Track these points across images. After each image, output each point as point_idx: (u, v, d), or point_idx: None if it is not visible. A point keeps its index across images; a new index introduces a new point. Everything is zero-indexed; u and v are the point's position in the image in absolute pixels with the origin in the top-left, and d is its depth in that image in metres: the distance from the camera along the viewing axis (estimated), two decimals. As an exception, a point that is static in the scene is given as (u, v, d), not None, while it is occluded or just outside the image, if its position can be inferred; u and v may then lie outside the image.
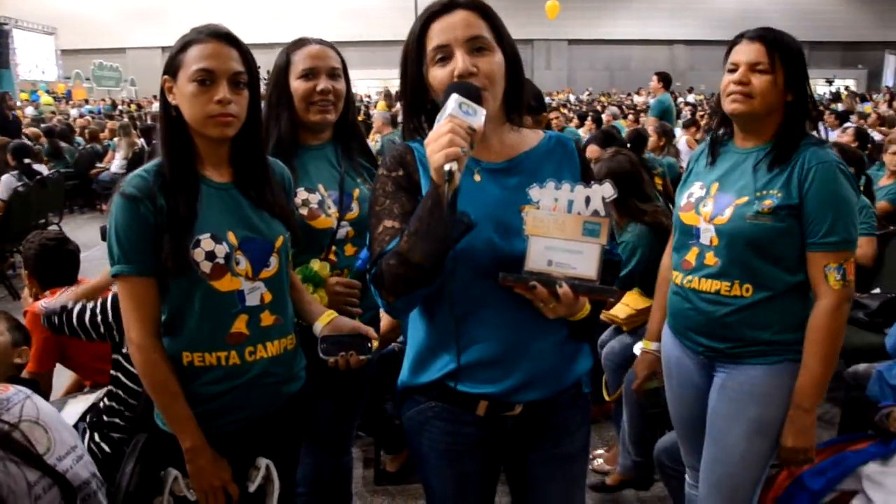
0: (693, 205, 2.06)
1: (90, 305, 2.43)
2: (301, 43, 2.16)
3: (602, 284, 1.43)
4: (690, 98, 23.10)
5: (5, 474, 1.32)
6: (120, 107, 22.34)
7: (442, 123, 1.32)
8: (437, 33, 1.47)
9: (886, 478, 2.28)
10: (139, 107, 23.00)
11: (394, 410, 3.56)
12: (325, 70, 2.12)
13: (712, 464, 2.07)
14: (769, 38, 1.92)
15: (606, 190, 1.42)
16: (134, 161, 10.62)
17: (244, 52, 1.69)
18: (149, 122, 15.12)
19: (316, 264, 2.06)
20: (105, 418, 2.28)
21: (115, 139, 11.30)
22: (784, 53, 1.91)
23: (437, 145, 1.29)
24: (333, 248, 2.14)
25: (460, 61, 1.43)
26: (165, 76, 1.67)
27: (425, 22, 1.49)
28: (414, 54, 1.51)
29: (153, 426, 1.75)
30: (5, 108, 10.47)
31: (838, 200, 1.88)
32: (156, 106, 21.96)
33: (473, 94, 1.38)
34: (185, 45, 1.65)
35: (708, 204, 2.02)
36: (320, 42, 2.18)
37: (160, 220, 1.61)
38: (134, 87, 30.36)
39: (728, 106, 1.96)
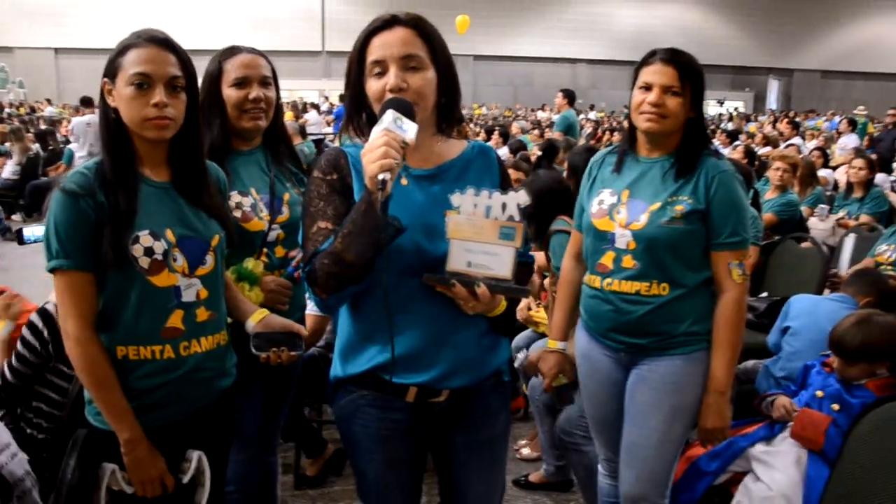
0: (606, 211, 2.22)
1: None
2: (233, 51, 2.23)
3: (516, 284, 1.59)
4: (592, 115, 23.86)
5: None
6: (7, 109, 21.27)
7: (377, 136, 1.45)
8: (376, 48, 1.60)
9: (770, 456, 2.54)
10: (32, 110, 21.95)
11: (311, 414, 3.63)
12: (256, 78, 2.20)
13: (633, 449, 2.25)
14: (681, 63, 2.12)
15: (521, 197, 1.57)
16: (28, 167, 10.19)
17: (182, 56, 1.75)
18: (42, 126, 14.51)
19: (250, 263, 2.13)
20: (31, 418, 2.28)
21: (7, 144, 10.81)
22: (693, 77, 2.13)
23: (373, 156, 1.43)
24: (265, 249, 2.21)
25: (392, 77, 1.57)
26: (105, 79, 1.72)
27: (367, 36, 1.62)
28: (356, 65, 1.64)
29: (83, 423, 1.78)
30: None
31: (738, 205, 2.13)
32: (50, 109, 20.95)
33: (407, 110, 1.51)
34: (123, 49, 1.70)
35: (622, 211, 2.19)
36: (251, 51, 2.24)
37: (100, 215, 1.65)
38: (23, 90, 28.99)
39: (643, 124, 2.15)
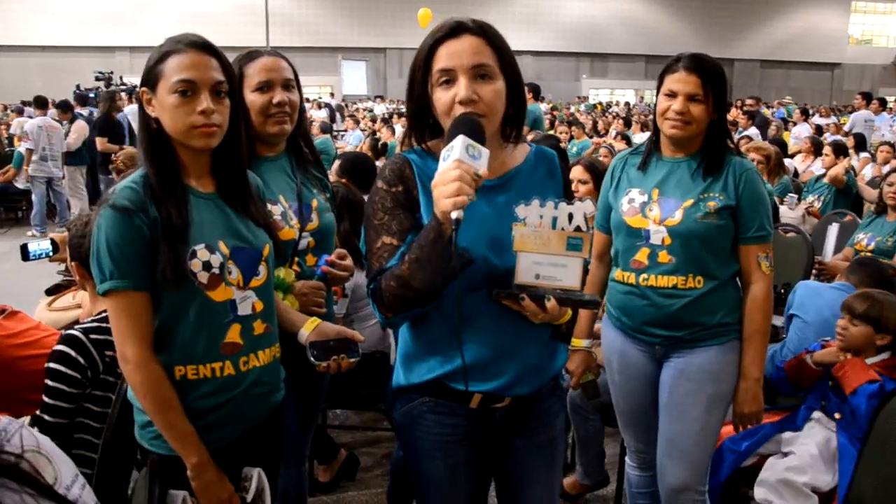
0: (637, 209, 2.29)
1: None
2: (254, 55, 2.17)
3: (585, 294, 1.60)
4: (544, 106, 24.06)
5: None
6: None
7: (450, 167, 1.41)
8: (444, 57, 1.55)
9: (799, 438, 2.64)
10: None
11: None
12: (279, 82, 2.14)
13: (675, 440, 2.32)
14: (704, 71, 2.19)
15: (587, 207, 1.57)
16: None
17: (223, 60, 1.70)
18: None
19: (282, 272, 2.08)
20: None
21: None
22: (715, 83, 2.19)
23: (446, 191, 1.39)
24: (296, 258, 2.17)
25: (463, 89, 1.53)
26: (143, 88, 1.66)
27: (434, 44, 1.57)
28: (420, 73, 1.59)
29: (127, 448, 1.72)
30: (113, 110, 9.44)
31: (763, 201, 2.23)
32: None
33: (478, 133, 1.47)
34: (162, 56, 1.64)
35: (654, 208, 2.26)
36: (273, 53, 2.19)
37: (154, 231, 1.59)
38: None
39: (668, 130, 2.24)
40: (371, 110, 19.88)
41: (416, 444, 1.75)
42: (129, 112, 11.89)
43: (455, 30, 1.56)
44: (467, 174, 1.40)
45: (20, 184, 9.84)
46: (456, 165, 1.40)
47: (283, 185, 2.20)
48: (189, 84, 1.61)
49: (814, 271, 4.28)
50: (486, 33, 1.58)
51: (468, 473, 1.78)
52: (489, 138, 1.53)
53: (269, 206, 2.11)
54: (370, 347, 3.24)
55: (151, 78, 1.64)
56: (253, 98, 2.12)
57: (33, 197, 9.38)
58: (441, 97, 1.56)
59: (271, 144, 2.20)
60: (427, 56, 1.58)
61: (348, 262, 2.27)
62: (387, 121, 14.30)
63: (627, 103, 26.07)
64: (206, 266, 1.64)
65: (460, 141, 1.43)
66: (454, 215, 1.38)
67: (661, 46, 32.89)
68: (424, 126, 1.66)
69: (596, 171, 3.66)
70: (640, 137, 11.21)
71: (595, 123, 14.98)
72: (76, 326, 2.18)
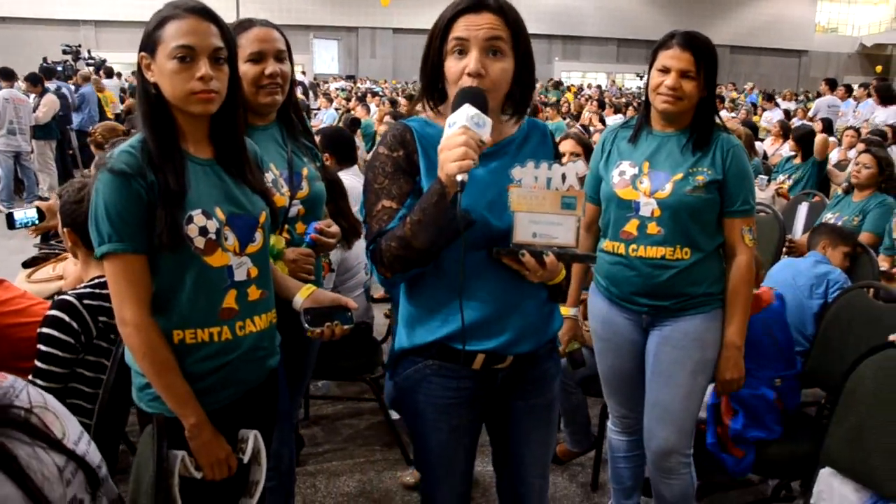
0: (628, 181, 2.35)
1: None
2: (246, 25, 2.17)
3: (580, 250, 1.66)
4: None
5: (37, 461, 1.30)
6: None
7: (456, 133, 1.48)
8: (462, 27, 1.61)
9: None
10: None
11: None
12: (272, 53, 2.16)
13: (662, 404, 2.41)
14: (697, 48, 2.25)
15: (579, 167, 1.64)
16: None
17: (222, 27, 1.70)
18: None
19: (272, 239, 2.10)
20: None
21: None
22: (707, 61, 2.26)
23: (452, 155, 1.47)
24: (286, 226, 2.20)
25: (473, 61, 1.59)
26: (142, 53, 1.66)
27: (455, 15, 1.62)
28: (437, 41, 1.65)
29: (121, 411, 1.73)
30: None
31: (748, 176, 2.31)
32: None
33: (482, 103, 1.54)
34: (161, 21, 1.64)
35: (644, 181, 2.33)
36: (265, 23, 2.20)
37: (152, 195, 1.60)
38: None
39: (660, 105, 2.30)
40: (345, 89, 19.75)
41: (419, 408, 1.79)
42: (110, 87, 11.72)
43: (476, 5, 1.62)
44: (472, 140, 1.47)
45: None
46: (462, 131, 1.47)
47: (274, 153, 2.22)
48: (188, 50, 1.61)
49: (784, 249, 4.40)
50: (504, 12, 1.64)
51: (469, 433, 1.84)
52: (490, 110, 1.58)
53: None
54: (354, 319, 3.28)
55: (150, 43, 1.64)
56: (245, 68, 2.13)
57: (-1, 171, 9.24)
58: (452, 66, 1.63)
59: (262, 114, 2.22)
60: (446, 25, 1.64)
61: (334, 228, 2.30)
62: (361, 99, 14.25)
63: (599, 86, 26.18)
64: (203, 231, 1.66)
65: (466, 110, 1.50)
66: (459, 177, 1.45)
67: (634, 31, 33.14)
68: (435, 90, 1.72)
69: (586, 144, 3.72)
70: (611, 119, 11.33)
71: (569, 106, 15.06)
72: (69, 292, 2.19)
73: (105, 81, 12.30)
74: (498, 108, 1.71)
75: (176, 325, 1.68)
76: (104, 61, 15.30)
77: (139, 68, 1.68)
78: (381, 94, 17.25)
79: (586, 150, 3.60)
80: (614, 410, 2.66)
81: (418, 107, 1.77)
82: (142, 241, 1.61)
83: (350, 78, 28.10)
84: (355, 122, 8.57)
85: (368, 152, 8.00)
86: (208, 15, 1.67)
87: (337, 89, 19.26)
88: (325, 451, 3.51)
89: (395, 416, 3.56)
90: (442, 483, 1.86)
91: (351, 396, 4.09)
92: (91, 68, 13.73)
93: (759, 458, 2.72)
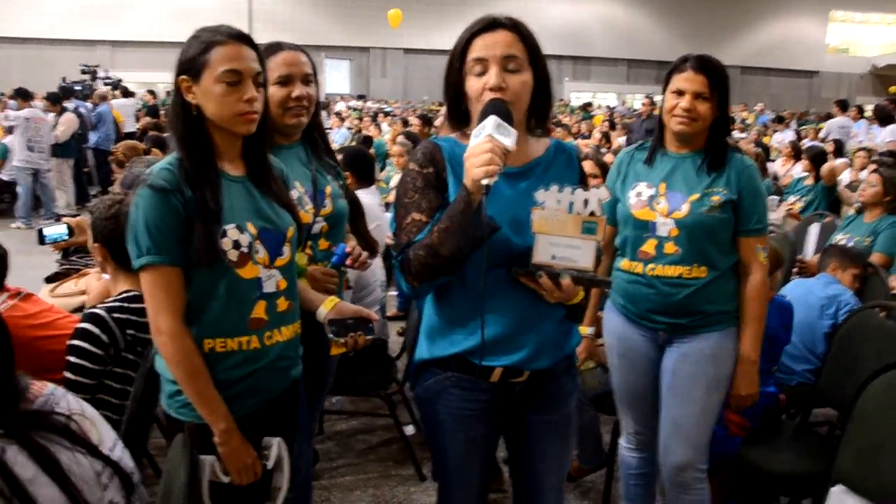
0: (645, 202, 2.43)
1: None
2: (276, 48, 2.26)
3: (598, 275, 1.72)
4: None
5: (77, 465, 1.36)
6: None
7: (482, 141, 1.56)
8: (479, 48, 1.70)
9: None
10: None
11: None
12: (299, 76, 2.25)
13: (677, 420, 2.45)
14: (711, 71, 2.34)
15: (602, 193, 1.70)
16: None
17: (258, 52, 1.81)
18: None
19: (296, 255, 2.18)
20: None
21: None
22: (720, 83, 2.35)
23: (478, 161, 1.55)
24: (309, 242, 2.27)
25: (493, 77, 1.67)
26: (183, 76, 1.75)
27: (471, 36, 1.72)
28: (457, 63, 1.74)
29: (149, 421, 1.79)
30: None
31: (762, 196, 2.39)
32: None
33: (507, 115, 1.62)
34: (206, 46, 1.73)
35: (661, 201, 2.40)
36: (294, 48, 2.29)
37: (189, 211, 1.69)
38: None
39: (675, 127, 2.38)
40: (357, 109, 19.92)
41: (439, 418, 1.86)
42: (117, 105, 11.89)
43: (491, 24, 1.72)
44: (498, 148, 1.55)
45: (5, 176, 9.82)
46: (488, 139, 1.56)
47: (299, 171, 2.30)
48: (236, 74, 1.72)
49: (794, 269, 4.44)
50: (518, 30, 1.73)
51: (485, 445, 1.90)
52: (515, 123, 1.65)
53: None
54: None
55: (194, 67, 1.73)
56: (273, 91, 2.21)
57: (19, 188, 9.38)
58: (473, 84, 1.71)
59: (287, 135, 2.31)
60: (464, 46, 1.73)
61: (363, 256, 2.38)
62: (373, 118, 14.36)
63: (609, 107, 26.28)
64: (236, 245, 1.74)
65: (492, 120, 1.58)
66: (485, 182, 1.53)
67: (643, 51, 33.22)
68: (459, 111, 1.80)
69: (604, 165, 3.79)
70: (623, 140, 11.39)
71: (579, 127, 15.15)
72: (99, 305, 2.27)
73: (121, 101, 12.46)
74: (522, 124, 1.78)
75: (207, 335, 1.75)
76: (119, 81, 15.51)
77: (178, 91, 1.77)
78: (392, 113, 17.39)
79: (603, 170, 3.67)
80: (628, 427, 2.71)
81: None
82: (178, 255, 1.69)
83: (361, 97, 28.30)
84: (367, 141, 8.67)
85: (381, 171, 8.07)
86: (248, 41, 1.79)
87: (350, 108, 19.43)
88: (340, 465, 3.56)
89: (409, 431, 3.61)
90: (458, 493, 1.91)
91: (365, 412, 4.15)
92: (108, 88, 13.94)
93: (770, 476, 2.75)
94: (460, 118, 1.81)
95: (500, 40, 1.70)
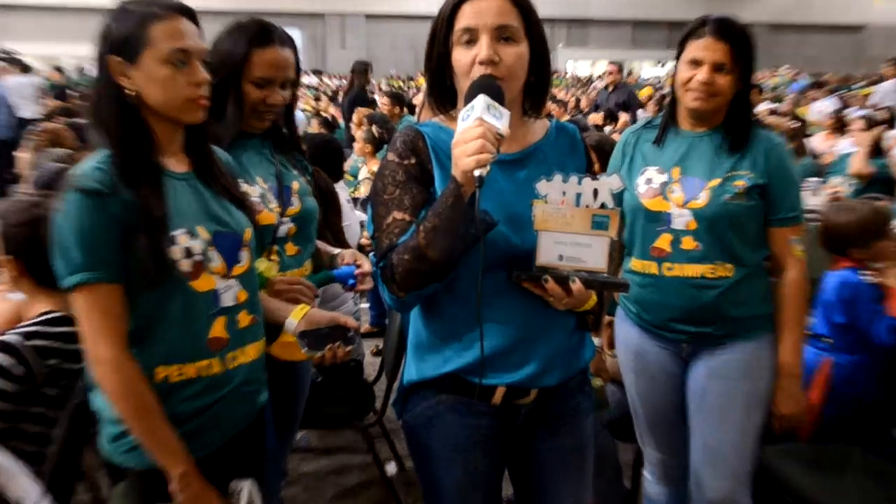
0: (657, 190, 2.46)
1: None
2: (265, 39, 2.28)
3: (613, 277, 1.77)
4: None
5: None
6: None
7: (471, 126, 1.59)
8: (468, 15, 1.74)
9: None
10: None
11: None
12: (280, 80, 2.31)
13: (712, 447, 2.48)
14: (733, 37, 2.36)
15: (614, 182, 1.73)
16: None
17: (199, 26, 1.84)
18: None
19: (262, 264, 2.21)
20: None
21: None
22: (744, 51, 2.38)
23: (468, 149, 1.57)
24: (275, 246, 2.32)
25: (484, 48, 1.71)
26: (115, 57, 1.75)
27: (459, 1, 1.75)
28: (443, 32, 1.78)
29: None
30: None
31: (794, 178, 2.44)
32: None
33: (497, 94, 1.65)
34: (142, 20, 1.74)
35: (675, 189, 2.43)
36: (283, 42, 2.32)
37: (129, 218, 1.70)
38: None
39: (690, 103, 2.41)
40: (314, 87, 19.91)
41: (432, 449, 1.90)
42: (14, 85, 11.56)
43: None
44: (490, 132, 1.58)
45: None
46: (478, 123, 1.58)
47: (260, 165, 2.36)
48: (185, 54, 1.76)
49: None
50: None
51: (487, 480, 1.94)
52: (508, 103, 1.70)
53: (246, 187, 2.25)
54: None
55: (130, 46, 1.74)
56: (248, 89, 2.27)
57: None
58: (460, 57, 1.75)
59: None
60: (451, 13, 1.76)
61: (366, 266, 2.43)
62: (333, 98, 14.36)
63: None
64: (188, 253, 1.76)
65: (481, 100, 1.61)
66: (477, 172, 1.56)
67: (651, 10, 33.29)
68: (443, 87, 1.84)
69: (604, 152, 3.85)
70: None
71: (578, 101, 15.23)
72: (9, 332, 2.24)
73: (17, 78, 12.13)
74: (517, 104, 1.83)
75: (159, 362, 1.77)
76: (13, 53, 15.18)
77: (107, 74, 1.77)
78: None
79: (604, 159, 3.73)
80: (651, 457, 2.75)
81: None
82: (118, 269, 1.71)
83: (317, 73, 28.23)
84: (329, 126, 8.68)
85: (345, 161, 8.09)
86: (191, 14, 1.82)
87: (304, 86, 19.41)
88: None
89: (391, 470, 3.64)
90: None
91: (338, 449, 4.16)
92: (2, 63, 13.72)
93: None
94: (445, 96, 1.85)
95: (493, 6, 1.72)
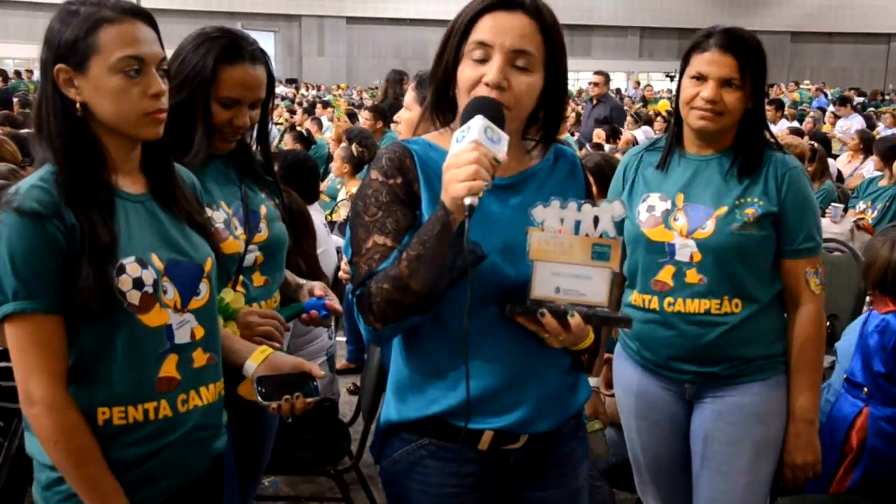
0: (660, 219, 2.48)
1: None
2: (234, 55, 2.27)
3: (614, 312, 1.78)
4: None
5: None
6: None
7: (466, 149, 1.60)
8: (487, 29, 1.75)
9: None
10: None
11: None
12: (249, 101, 2.31)
13: (716, 498, 2.49)
14: (741, 50, 2.38)
15: (616, 209, 1.75)
16: None
17: (157, 30, 1.83)
18: None
19: (229, 295, 2.21)
20: None
21: None
22: (754, 65, 2.40)
23: (460, 174, 1.58)
24: (241, 277, 2.33)
25: (494, 71, 1.72)
26: (61, 66, 1.74)
27: (482, 10, 1.76)
28: (456, 39, 1.79)
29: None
30: None
31: (811, 206, 2.45)
32: None
33: (497, 115, 1.66)
34: (92, 25, 1.72)
35: (679, 217, 2.45)
36: (254, 59, 2.31)
37: (71, 242, 1.68)
38: None
39: (695, 122, 2.43)
40: (288, 98, 19.99)
41: (412, 499, 1.91)
42: None
43: (509, 1, 1.75)
44: (485, 158, 1.58)
45: None
46: (473, 147, 1.59)
47: (225, 187, 2.36)
48: (137, 62, 1.74)
49: (867, 300, 4.53)
50: (541, 16, 1.78)
51: None
52: (510, 132, 1.71)
53: (210, 212, 2.23)
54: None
55: (77, 52, 1.73)
56: (213, 109, 2.26)
57: None
58: (467, 71, 1.77)
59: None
60: (469, 21, 1.77)
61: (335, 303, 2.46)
62: (310, 111, 14.42)
63: (619, 90, 26.57)
64: (137, 284, 1.75)
65: (479, 122, 1.62)
66: (468, 201, 1.56)
67: (661, 17, 33.62)
68: (447, 98, 1.85)
69: (604, 176, 3.89)
70: (641, 134, 11.45)
71: (578, 116, 15.35)
72: None
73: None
74: (519, 131, 1.85)
75: (101, 402, 1.75)
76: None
77: (53, 83, 1.76)
78: (333, 104, 17.47)
79: (603, 183, 3.77)
80: None
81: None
82: (56, 299, 1.69)
83: (291, 82, 28.27)
84: (305, 141, 8.73)
85: (322, 180, 8.14)
86: (147, 18, 1.81)
87: (280, 97, 19.51)
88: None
89: (368, 521, 3.65)
90: None
91: (309, 497, 4.15)
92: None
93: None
94: (445, 108, 1.87)
95: (515, 26, 1.74)
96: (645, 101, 22.45)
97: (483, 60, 1.75)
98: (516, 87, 1.74)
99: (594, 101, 10.89)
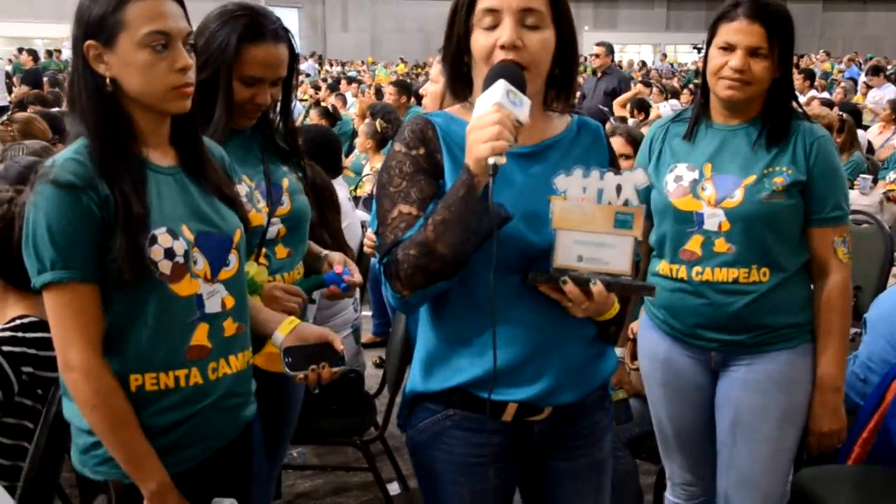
0: (687, 189, 2.50)
1: None
2: (256, 34, 2.31)
3: (636, 279, 1.81)
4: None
5: None
6: None
7: (489, 111, 1.63)
8: None
9: None
10: None
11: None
12: (270, 80, 2.35)
13: (741, 465, 2.53)
14: (769, 19, 2.38)
15: (639, 177, 1.76)
16: None
17: (183, 4, 1.87)
18: None
19: (253, 268, 2.26)
20: None
21: None
22: (782, 34, 2.41)
23: (483, 135, 1.61)
24: (264, 249, 2.37)
25: (507, 31, 1.74)
26: (91, 41, 1.79)
27: None
28: (463, 12, 1.82)
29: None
30: None
31: (840, 174, 2.46)
32: None
33: (519, 82, 1.69)
34: (120, 1, 1.76)
35: (707, 187, 2.47)
36: (276, 37, 2.35)
37: (106, 213, 1.74)
38: None
39: (723, 92, 2.43)
40: (311, 74, 20.03)
41: (437, 468, 1.95)
42: None
43: None
44: (508, 119, 1.61)
45: None
46: (496, 109, 1.62)
47: (247, 161, 2.40)
48: (164, 37, 1.78)
49: (894, 272, 4.52)
50: None
51: (497, 501, 1.99)
52: (531, 95, 1.73)
53: None
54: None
55: (106, 29, 1.77)
56: (235, 87, 2.30)
57: None
58: (480, 40, 1.79)
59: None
60: None
61: (357, 277, 2.50)
62: (333, 87, 14.44)
63: (643, 62, 26.37)
64: (169, 254, 1.80)
65: (501, 85, 1.64)
66: (492, 160, 1.59)
67: (688, -15, 33.32)
68: (460, 73, 1.89)
69: (638, 143, 3.92)
70: (664, 108, 11.33)
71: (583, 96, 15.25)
72: None
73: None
74: (539, 96, 1.87)
75: (133, 369, 1.81)
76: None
77: (83, 60, 1.81)
78: (357, 79, 17.47)
79: (636, 148, 3.80)
80: (675, 476, 2.78)
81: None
82: (92, 268, 1.75)
83: (316, 58, 28.28)
84: (330, 117, 8.76)
85: (347, 156, 8.19)
86: None
87: (304, 74, 19.51)
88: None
89: (394, 490, 3.70)
90: None
91: (336, 466, 4.22)
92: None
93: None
94: (463, 83, 1.90)
95: None
96: (674, 73, 22.25)
97: (493, 27, 1.77)
98: (530, 45, 1.76)
99: (598, 74, 10.67)
